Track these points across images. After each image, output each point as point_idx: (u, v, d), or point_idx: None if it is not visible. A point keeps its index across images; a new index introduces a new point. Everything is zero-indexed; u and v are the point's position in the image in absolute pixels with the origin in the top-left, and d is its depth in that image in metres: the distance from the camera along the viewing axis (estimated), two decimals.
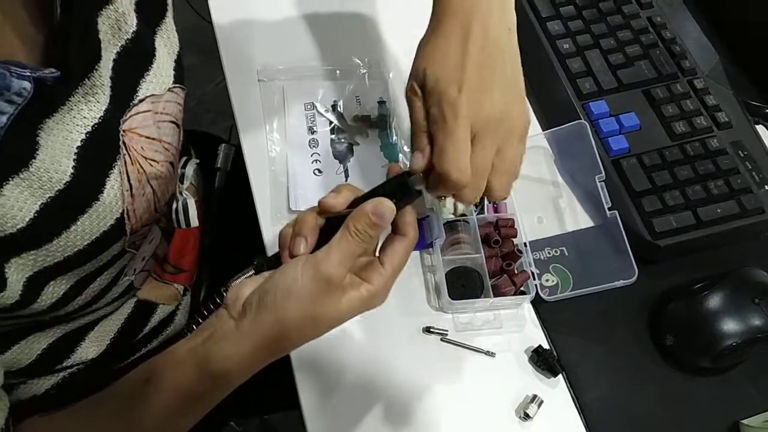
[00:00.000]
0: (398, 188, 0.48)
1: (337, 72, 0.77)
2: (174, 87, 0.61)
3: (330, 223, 0.49)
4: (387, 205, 0.46)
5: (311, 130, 0.73)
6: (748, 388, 0.64)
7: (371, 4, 0.83)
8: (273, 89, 0.75)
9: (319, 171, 0.70)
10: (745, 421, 0.61)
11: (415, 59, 0.52)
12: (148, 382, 0.49)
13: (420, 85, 0.50)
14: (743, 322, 0.62)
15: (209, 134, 1.03)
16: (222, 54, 0.77)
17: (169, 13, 0.61)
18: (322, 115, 0.74)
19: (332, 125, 0.73)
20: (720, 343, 0.61)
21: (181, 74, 0.62)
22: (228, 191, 0.89)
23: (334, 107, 0.74)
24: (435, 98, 0.49)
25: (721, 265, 0.67)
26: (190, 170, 0.74)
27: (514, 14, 0.53)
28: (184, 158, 0.75)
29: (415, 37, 0.79)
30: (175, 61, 0.61)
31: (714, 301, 0.63)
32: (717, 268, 0.67)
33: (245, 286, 0.48)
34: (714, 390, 0.64)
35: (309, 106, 0.74)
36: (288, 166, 0.70)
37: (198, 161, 0.75)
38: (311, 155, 0.71)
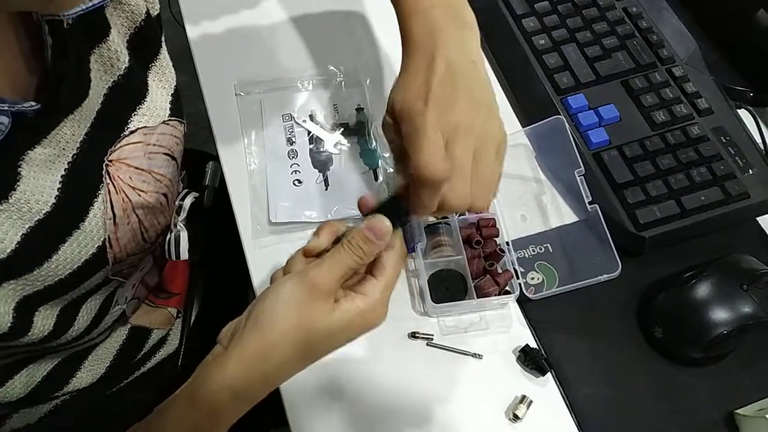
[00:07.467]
0: (389, 210, 0.48)
1: (314, 81, 0.77)
2: (170, 120, 0.61)
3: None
4: (382, 221, 0.46)
5: (290, 141, 0.73)
6: (742, 378, 0.63)
7: (345, 13, 0.83)
8: (250, 102, 0.75)
9: (299, 182, 0.70)
10: (739, 411, 0.60)
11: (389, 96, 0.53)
12: (148, 428, 0.47)
13: (391, 113, 0.51)
14: (732, 310, 0.61)
15: (202, 152, 1.03)
16: (198, 70, 0.78)
17: (163, 49, 0.61)
18: (299, 125, 0.73)
19: (311, 135, 0.73)
20: (710, 333, 0.60)
21: (178, 108, 0.62)
22: (216, 208, 0.90)
23: (311, 117, 0.74)
24: (404, 116, 0.49)
25: (708, 253, 0.66)
26: (188, 202, 0.73)
27: (479, 50, 0.54)
28: (185, 190, 0.75)
29: (390, 43, 0.80)
30: (172, 95, 0.61)
31: (702, 289, 0.62)
32: (704, 256, 0.66)
33: (235, 320, 0.48)
34: (707, 381, 0.63)
35: (287, 117, 0.74)
36: (267, 179, 0.70)
37: (197, 195, 0.75)
38: (291, 166, 0.71)
